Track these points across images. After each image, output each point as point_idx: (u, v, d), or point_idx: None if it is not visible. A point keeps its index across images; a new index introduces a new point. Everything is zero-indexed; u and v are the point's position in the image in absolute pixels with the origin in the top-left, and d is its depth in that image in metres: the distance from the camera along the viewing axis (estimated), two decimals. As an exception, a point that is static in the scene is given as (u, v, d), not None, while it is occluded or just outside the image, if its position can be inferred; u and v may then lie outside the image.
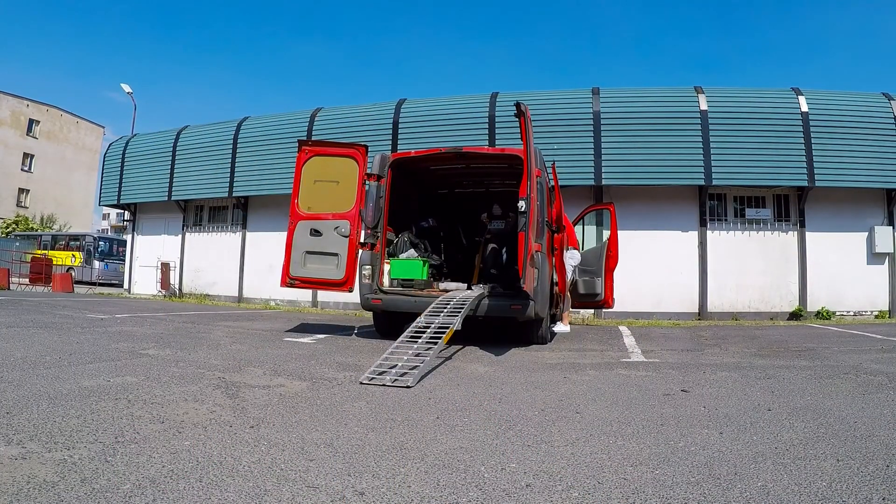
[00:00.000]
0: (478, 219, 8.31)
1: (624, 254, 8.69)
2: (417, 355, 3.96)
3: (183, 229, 15.17)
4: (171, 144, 14.78)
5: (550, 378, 3.81)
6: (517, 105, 4.96)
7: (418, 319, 4.78)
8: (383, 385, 3.36)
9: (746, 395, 3.26)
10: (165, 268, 15.06)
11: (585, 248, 8.96)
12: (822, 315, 10.68)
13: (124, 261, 18.03)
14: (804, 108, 10.66)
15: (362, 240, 5.92)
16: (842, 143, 10.58)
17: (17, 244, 24.17)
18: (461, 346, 5.31)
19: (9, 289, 14.80)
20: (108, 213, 60.44)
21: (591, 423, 2.58)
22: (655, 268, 11.01)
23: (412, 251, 5.67)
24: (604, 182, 10.81)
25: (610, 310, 9.10)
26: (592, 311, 10.45)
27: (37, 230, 32.69)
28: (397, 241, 6.63)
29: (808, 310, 10.84)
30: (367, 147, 6.09)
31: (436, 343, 4.20)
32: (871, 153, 10.56)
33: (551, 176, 7.01)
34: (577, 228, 9.22)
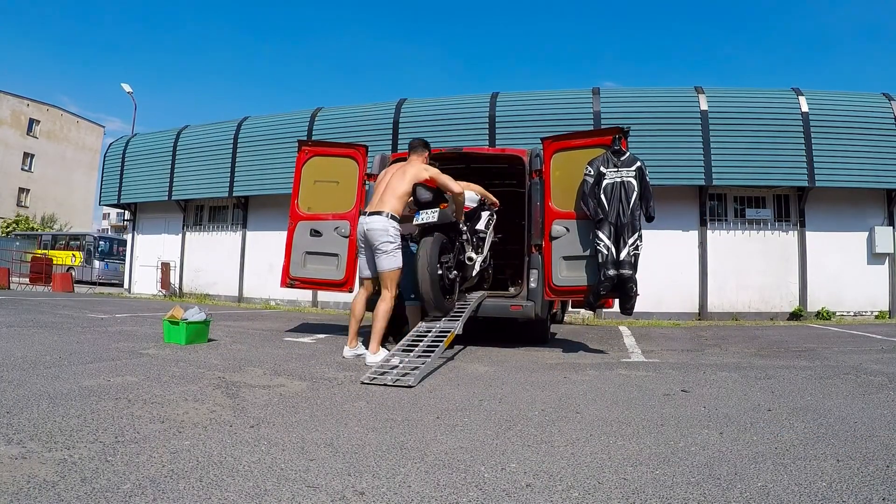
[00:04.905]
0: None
1: (624, 254, 8.67)
2: (419, 357, 3.96)
3: (183, 229, 15.18)
4: (172, 144, 14.78)
5: (550, 378, 3.81)
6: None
7: (419, 324, 4.77)
8: (384, 385, 3.36)
9: (746, 395, 3.26)
10: (165, 267, 15.07)
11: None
12: (823, 315, 10.68)
13: (124, 260, 18.05)
14: (804, 108, 10.66)
15: None
16: (842, 143, 10.58)
17: (18, 244, 24.19)
18: (462, 347, 5.31)
19: (9, 288, 14.81)
20: (109, 213, 60.49)
21: (591, 423, 2.58)
22: (655, 268, 11.00)
23: (195, 309, 5.05)
24: (604, 182, 10.81)
25: (609, 309, 9.11)
26: (592, 311, 10.45)
27: (37, 230, 32.71)
28: (397, 241, 6.62)
29: (809, 310, 10.84)
30: (367, 147, 6.08)
31: (437, 346, 4.20)
32: (871, 153, 10.56)
33: None
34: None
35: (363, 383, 3.39)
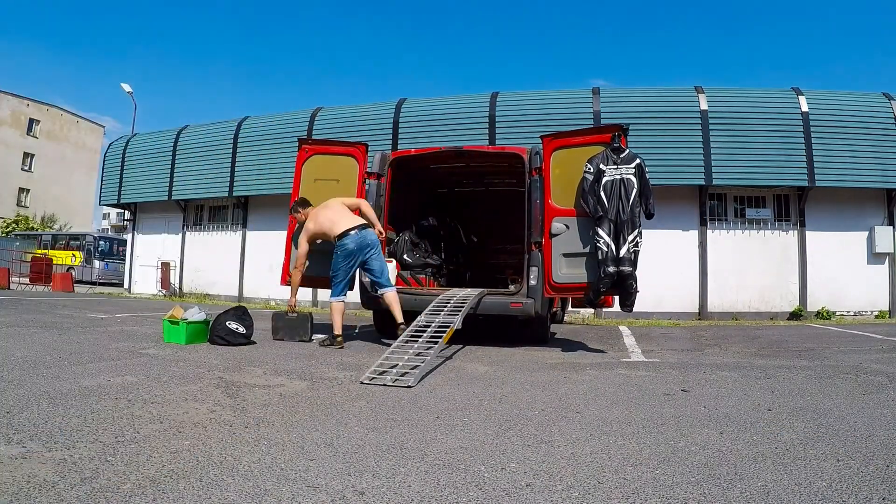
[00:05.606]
0: (478, 218, 8.31)
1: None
2: (418, 355, 3.96)
3: (183, 229, 15.18)
4: (172, 144, 14.77)
5: (550, 378, 3.81)
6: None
7: (419, 318, 4.78)
8: (384, 385, 3.36)
9: (746, 395, 3.26)
10: (166, 267, 15.06)
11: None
12: (823, 315, 10.67)
13: (124, 260, 18.04)
14: (804, 108, 10.66)
15: None
16: (842, 143, 10.57)
17: (18, 244, 24.17)
18: (461, 346, 5.30)
19: (9, 288, 14.80)
20: (109, 213, 60.47)
21: (591, 423, 2.58)
22: (655, 267, 10.99)
23: (195, 309, 5.30)
24: (604, 182, 10.81)
25: (609, 309, 9.13)
26: (592, 310, 10.45)
27: (37, 230, 32.70)
28: (398, 240, 6.63)
29: (809, 310, 10.84)
30: (367, 146, 6.08)
31: (436, 342, 4.20)
32: (871, 153, 10.55)
33: None
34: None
35: (362, 383, 3.39)
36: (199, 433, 2.21)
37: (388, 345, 4.65)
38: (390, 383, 3.38)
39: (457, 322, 4.57)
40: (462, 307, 4.92)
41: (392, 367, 3.70)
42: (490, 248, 8.80)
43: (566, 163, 5.37)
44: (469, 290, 5.82)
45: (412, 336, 4.39)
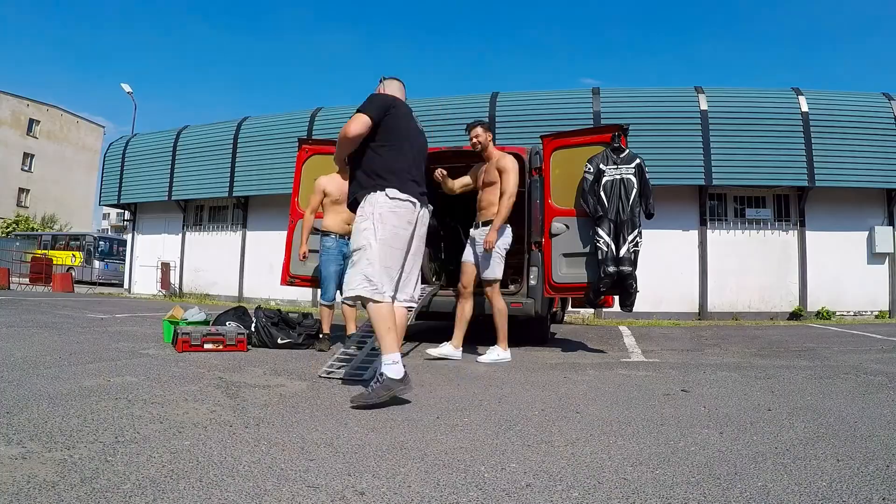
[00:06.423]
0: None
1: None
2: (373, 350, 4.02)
3: (183, 229, 15.19)
4: (172, 144, 14.79)
5: (550, 378, 3.81)
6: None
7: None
8: (341, 379, 3.54)
9: (746, 395, 3.26)
10: (165, 267, 15.07)
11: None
12: (823, 315, 10.68)
13: (124, 261, 18.06)
14: (804, 108, 10.67)
15: None
16: (842, 143, 10.58)
17: (18, 244, 24.18)
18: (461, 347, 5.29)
19: (9, 288, 14.81)
20: (109, 213, 60.48)
21: (592, 422, 2.58)
22: (655, 267, 11.01)
23: (195, 309, 5.15)
24: (604, 182, 10.81)
25: (609, 309, 9.13)
26: (592, 310, 10.45)
27: (37, 230, 32.72)
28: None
29: (809, 310, 10.84)
30: (367, 146, 6.08)
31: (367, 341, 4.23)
32: (871, 153, 10.57)
33: None
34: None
35: (320, 377, 3.52)
36: (199, 433, 2.21)
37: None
38: (346, 377, 3.55)
39: (409, 319, 4.62)
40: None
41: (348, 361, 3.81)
42: None
43: (566, 163, 5.38)
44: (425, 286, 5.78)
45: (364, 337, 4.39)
